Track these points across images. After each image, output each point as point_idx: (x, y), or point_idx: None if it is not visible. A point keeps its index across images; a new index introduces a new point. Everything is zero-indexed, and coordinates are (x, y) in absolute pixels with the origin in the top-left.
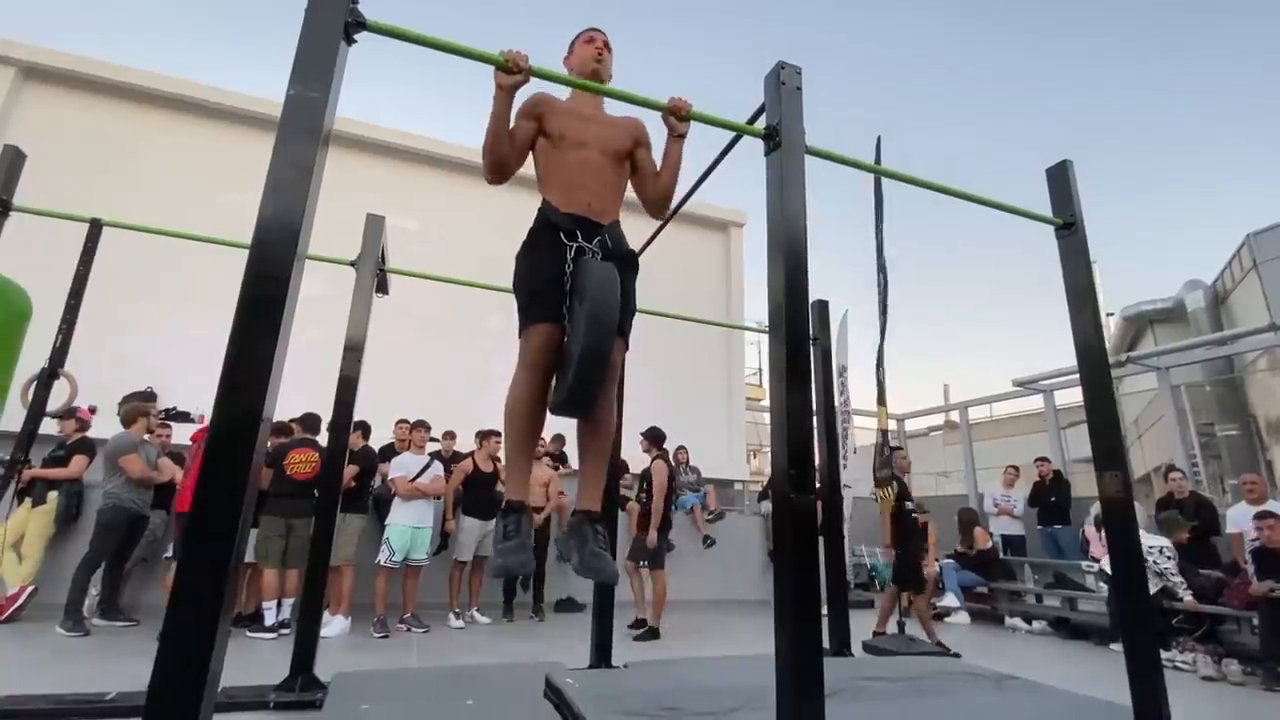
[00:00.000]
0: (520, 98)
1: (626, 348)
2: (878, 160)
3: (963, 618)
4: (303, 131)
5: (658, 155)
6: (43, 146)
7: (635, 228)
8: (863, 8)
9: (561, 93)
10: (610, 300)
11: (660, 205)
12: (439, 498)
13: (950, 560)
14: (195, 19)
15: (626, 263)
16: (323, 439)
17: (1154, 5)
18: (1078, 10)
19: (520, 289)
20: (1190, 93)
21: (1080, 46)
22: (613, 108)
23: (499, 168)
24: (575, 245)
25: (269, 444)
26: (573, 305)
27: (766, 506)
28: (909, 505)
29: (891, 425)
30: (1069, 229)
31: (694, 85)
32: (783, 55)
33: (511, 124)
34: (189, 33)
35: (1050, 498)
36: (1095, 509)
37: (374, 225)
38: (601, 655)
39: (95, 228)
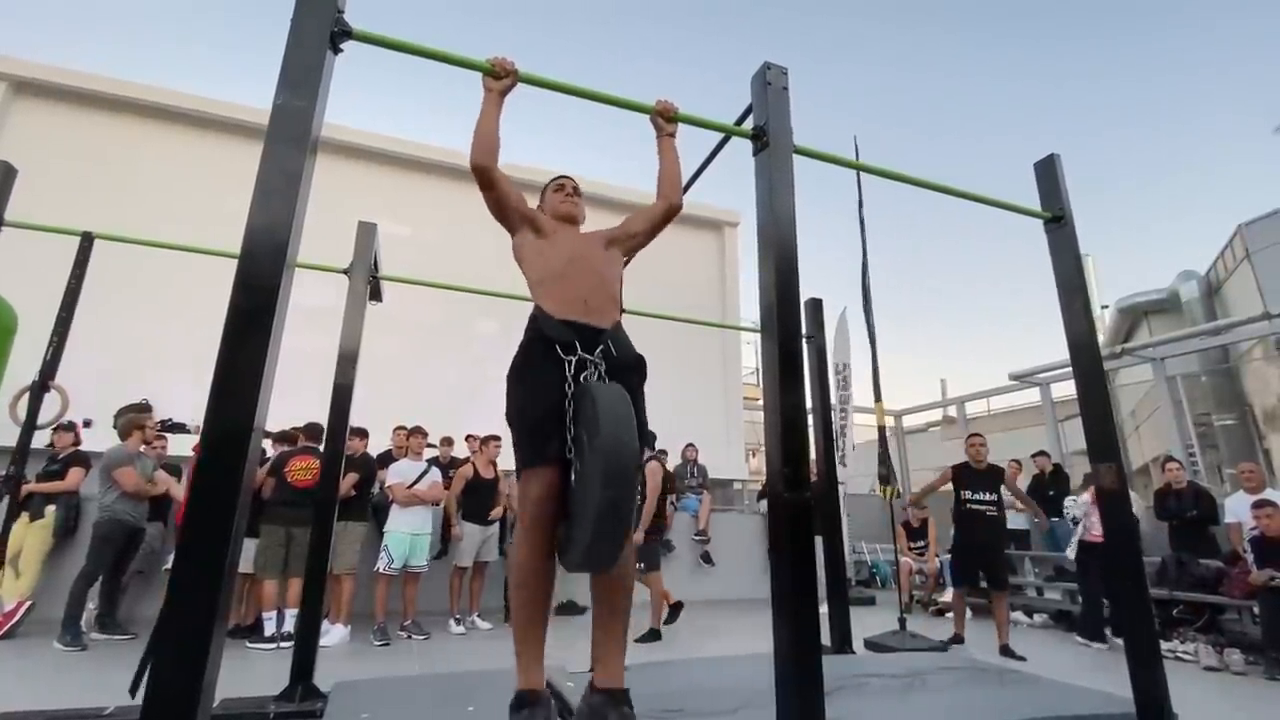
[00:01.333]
0: (512, 100)
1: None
2: (856, 159)
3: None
4: (290, 140)
5: (650, 165)
6: (34, 160)
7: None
8: (851, 5)
9: (551, 102)
10: (626, 438)
11: (674, 190)
12: (437, 504)
13: (950, 555)
14: (183, 30)
15: (635, 371)
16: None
17: None
18: (1066, 2)
19: (515, 422)
20: (1180, 84)
21: (1070, 39)
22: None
23: (487, 147)
24: (575, 359)
25: (272, 452)
26: (579, 437)
27: (765, 505)
28: (969, 498)
29: (890, 422)
30: (1058, 222)
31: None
32: (770, 53)
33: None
34: (177, 44)
35: (1049, 491)
36: (1083, 497)
37: (366, 232)
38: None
39: (87, 241)
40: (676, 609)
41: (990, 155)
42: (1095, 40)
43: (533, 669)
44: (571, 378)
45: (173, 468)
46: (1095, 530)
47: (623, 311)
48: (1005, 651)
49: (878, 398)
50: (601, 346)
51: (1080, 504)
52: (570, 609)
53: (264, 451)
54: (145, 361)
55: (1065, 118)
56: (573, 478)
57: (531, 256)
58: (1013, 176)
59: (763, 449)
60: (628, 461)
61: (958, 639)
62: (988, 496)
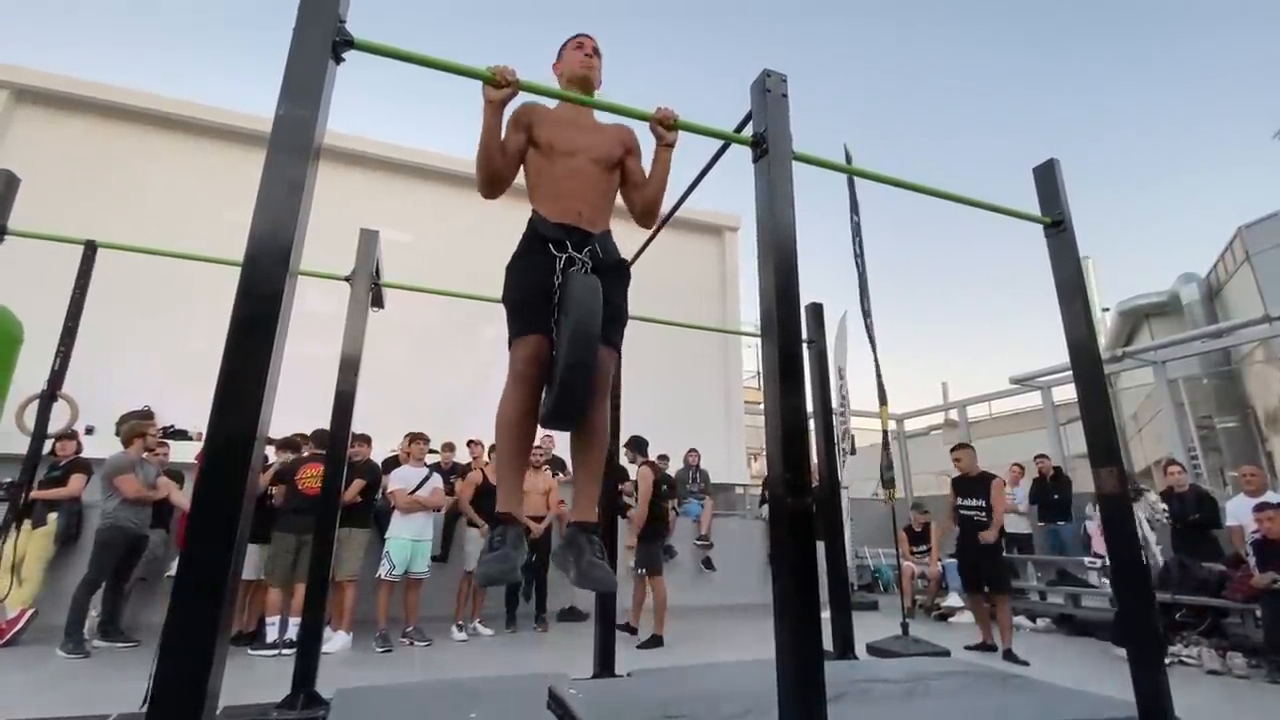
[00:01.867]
0: (510, 111)
1: (619, 357)
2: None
3: (967, 617)
4: (293, 150)
5: (647, 164)
6: (36, 168)
7: (630, 234)
8: (852, 11)
9: (550, 102)
10: (592, 313)
11: (647, 215)
12: (438, 510)
13: (953, 560)
14: (185, 38)
15: (617, 272)
16: None
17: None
18: (1067, 7)
19: (509, 301)
20: (1179, 87)
21: (1071, 43)
22: (603, 116)
23: (493, 182)
24: (565, 256)
25: (274, 458)
26: (559, 321)
27: (767, 510)
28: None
29: (891, 425)
30: (1057, 227)
31: (684, 92)
32: (772, 59)
33: (502, 135)
34: (180, 52)
35: (1052, 494)
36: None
37: (367, 239)
38: (605, 664)
39: (90, 249)
40: (654, 642)
41: (991, 159)
42: (1095, 44)
43: (511, 497)
44: (560, 271)
45: (175, 474)
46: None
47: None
48: (1008, 656)
49: (883, 401)
50: (589, 248)
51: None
52: (573, 615)
53: (266, 458)
54: (149, 368)
55: (1066, 120)
56: (553, 353)
57: (533, 170)
58: (1014, 180)
59: (764, 453)
60: (591, 332)
61: (986, 645)
62: (975, 502)
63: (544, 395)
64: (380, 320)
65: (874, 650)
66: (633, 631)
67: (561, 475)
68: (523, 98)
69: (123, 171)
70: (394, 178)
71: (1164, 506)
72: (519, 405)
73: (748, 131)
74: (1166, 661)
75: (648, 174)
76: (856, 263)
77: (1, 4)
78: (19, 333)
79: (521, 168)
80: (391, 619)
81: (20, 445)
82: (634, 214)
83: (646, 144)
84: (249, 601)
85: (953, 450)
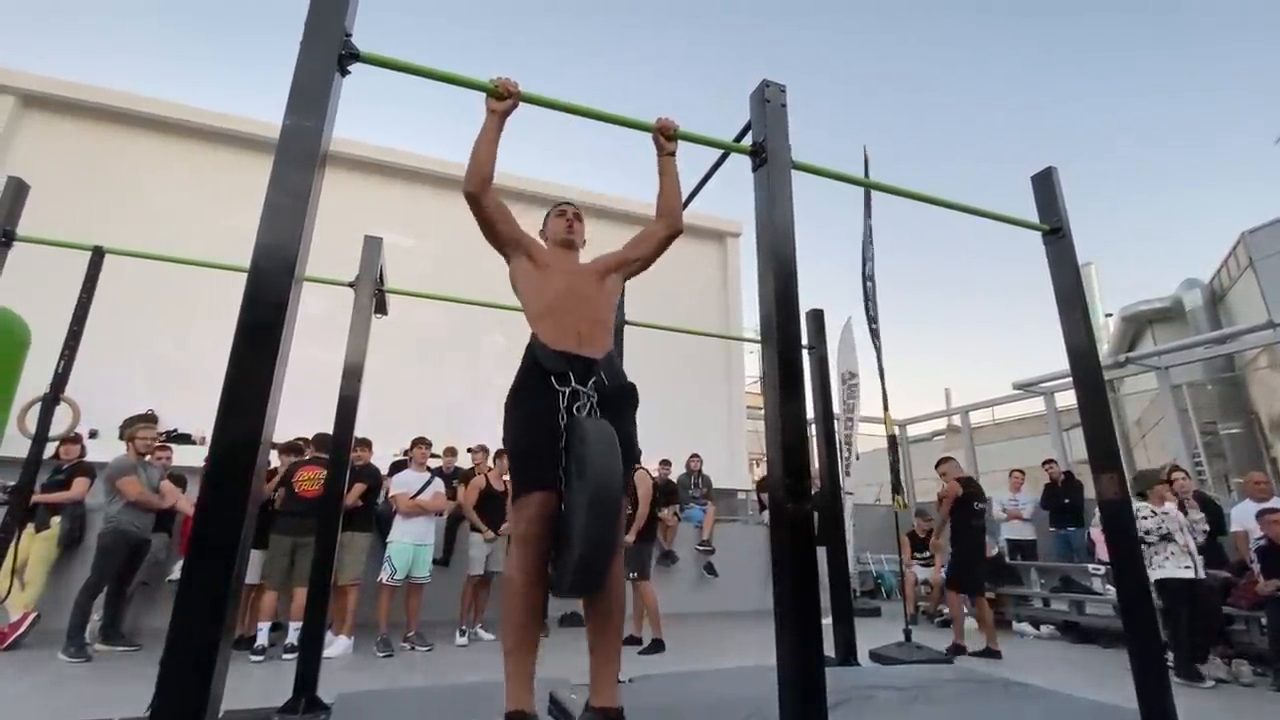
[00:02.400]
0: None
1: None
2: (866, 173)
3: (969, 624)
4: (298, 160)
5: (650, 180)
6: (43, 173)
7: (621, 238)
8: (851, 16)
9: (552, 120)
10: (612, 474)
11: (674, 215)
12: (440, 514)
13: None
14: (193, 45)
15: (625, 399)
16: None
17: (1146, 4)
18: (1066, 11)
19: (510, 447)
20: (1181, 92)
21: (1073, 47)
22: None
23: (480, 176)
24: (568, 390)
25: (277, 463)
26: (569, 469)
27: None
28: (978, 506)
29: (894, 431)
30: (1056, 234)
31: (685, 101)
32: (771, 64)
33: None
34: (187, 58)
35: (1063, 499)
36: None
37: (371, 246)
38: None
39: (98, 255)
40: (656, 647)
41: (995, 166)
42: (1098, 50)
43: (522, 690)
44: (565, 409)
45: (178, 478)
46: (1183, 562)
47: (623, 323)
48: (986, 652)
49: (885, 407)
50: (594, 378)
51: (1164, 517)
52: (575, 620)
53: (269, 463)
54: (154, 373)
55: (1069, 126)
56: (563, 507)
57: (527, 288)
58: (1017, 187)
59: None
60: (614, 496)
61: (957, 648)
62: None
63: (552, 554)
64: (382, 324)
65: (876, 657)
66: (636, 642)
67: None
68: (524, 110)
69: (129, 176)
70: (398, 182)
71: (1201, 515)
72: (527, 572)
73: (747, 140)
74: (1172, 669)
75: (657, 185)
76: (864, 269)
77: (9, 10)
78: (26, 336)
79: (514, 287)
80: (393, 624)
81: (25, 449)
82: (659, 235)
83: (648, 157)
84: (250, 606)
85: (937, 466)
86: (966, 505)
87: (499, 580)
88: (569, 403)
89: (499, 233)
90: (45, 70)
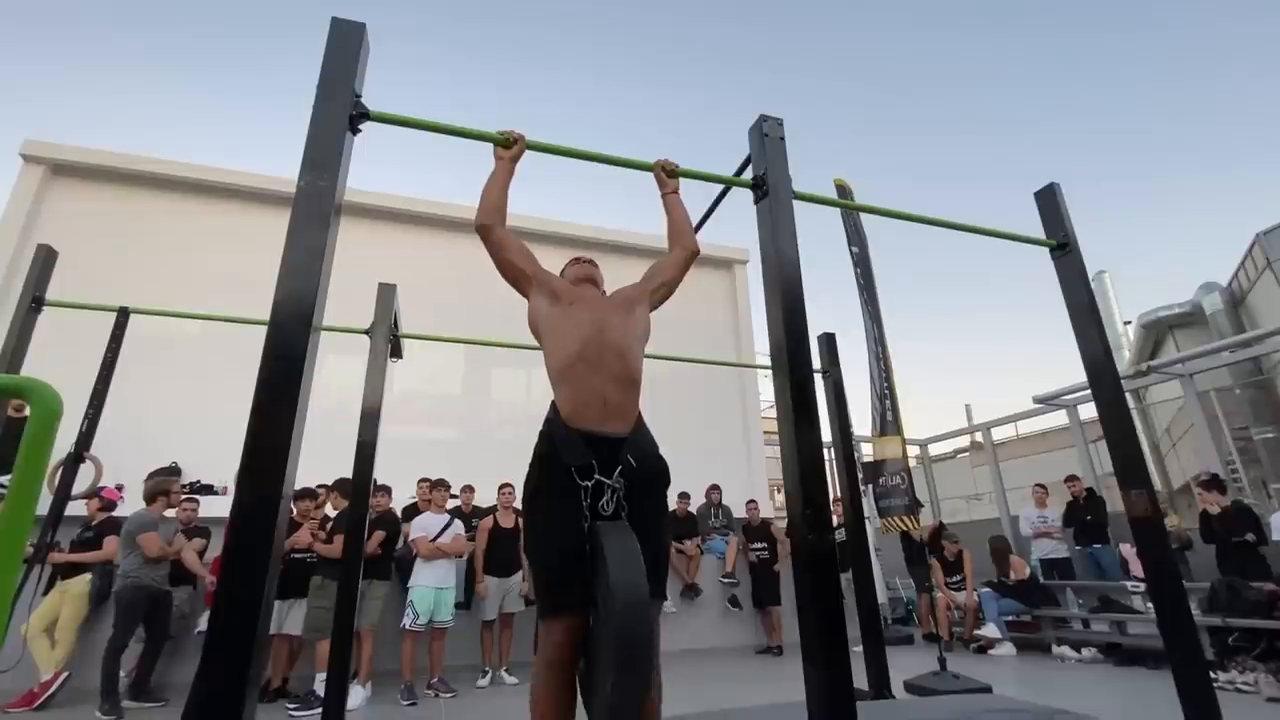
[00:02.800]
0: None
1: (665, 600)
2: (847, 214)
3: (1008, 649)
4: (314, 217)
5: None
6: (71, 238)
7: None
8: (853, 34)
9: (561, 162)
10: (639, 616)
11: (687, 238)
12: (461, 556)
13: (988, 589)
14: (213, 109)
15: (656, 485)
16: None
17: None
18: (1076, 17)
19: (532, 560)
20: (1189, 95)
21: (1081, 51)
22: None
23: (494, 209)
24: (591, 484)
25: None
26: (595, 581)
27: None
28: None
29: (915, 450)
30: (1063, 249)
31: (688, 136)
32: (773, 92)
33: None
34: (208, 123)
35: (1086, 516)
36: None
37: (386, 294)
38: None
39: (123, 316)
40: None
41: (1005, 179)
42: (1106, 56)
43: None
44: (588, 508)
45: (202, 530)
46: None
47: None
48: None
49: (895, 430)
50: (620, 465)
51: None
52: None
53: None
54: (178, 424)
55: (1077, 134)
56: (590, 620)
57: (548, 330)
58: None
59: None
60: (641, 618)
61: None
62: None
63: (582, 666)
64: (400, 364)
65: (912, 688)
66: None
67: None
68: (530, 157)
69: (153, 236)
70: (412, 229)
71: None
72: (555, 695)
73: (748, 174)
74: (1222, 688)
75: (663, 216)
76: (861, 294)
77: (38, 87)
78: (59, 407)
79: (533, 330)
80: (416, 670)
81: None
82: (676, 260)
83: (651, 193)
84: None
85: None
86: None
87: (519, 620)
88: (592, 500)
89: (514, 266)
90: (72, 138)
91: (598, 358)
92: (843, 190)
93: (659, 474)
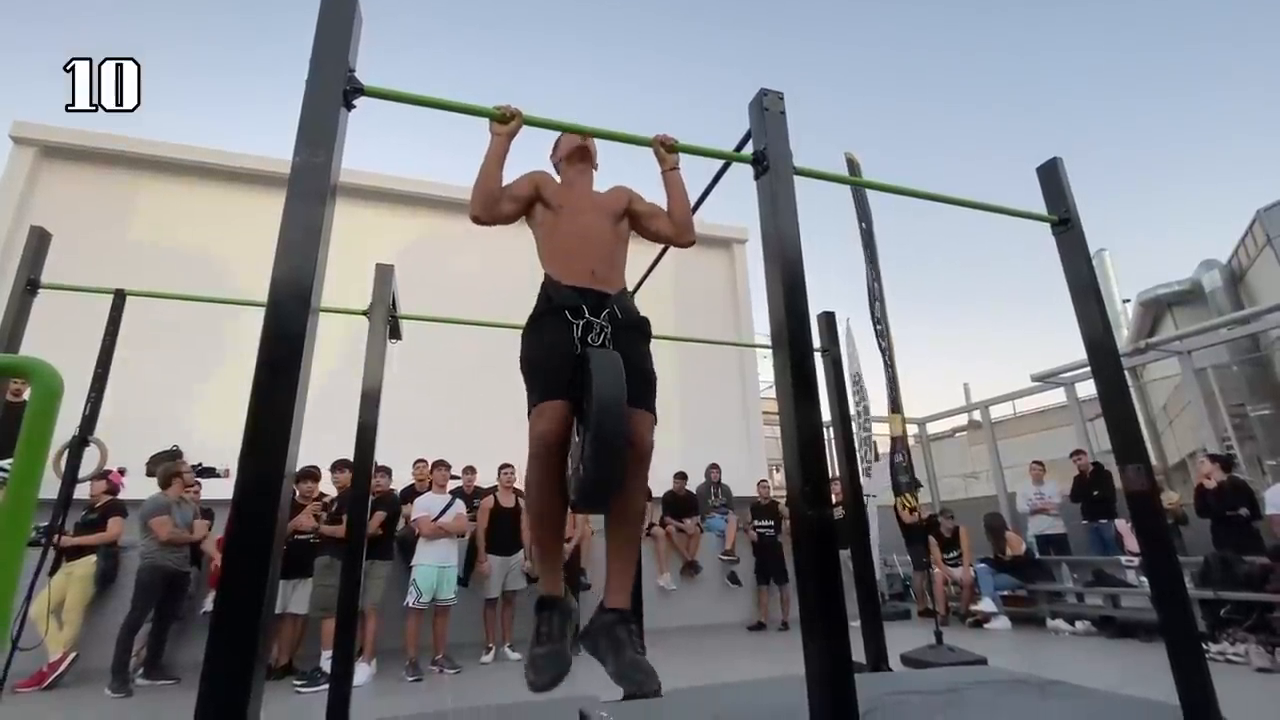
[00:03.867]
0: (517, 161)
1: (655, 422)
2: (857, 187)
3: (1003, 623)
4: (310, 195)
5: (654, 198)
6: (65, 221)
7: (642, 252)
8: (850, 13)
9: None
10: (616, 394)
11: (685, 229)
12: (462, 535)
13: (984, 564)
14: (201, 87)
15: (637, 331)
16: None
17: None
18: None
19: (526, 365)
20: (1188, 71)
21: (1081, 26)
22: (600, 184)
23: (488, 200)
24: (583, 322)
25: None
26: (581, 400)
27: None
28: None
29: (913, 430)
30: (1065, 225)
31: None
32: (773, 67)
33: (508, 175)
34: (195, 100)
35: (1093, 491)
36: None
37: (383, 274)
38: None
39: (119, 298)
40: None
41: (1004, 156)
42: (1105, 31)
43: (553, 578)
44: (579, 340)
45: (205, 512)
46: None
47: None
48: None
49: (895, 409)
50: (607, 310)
51: None
52: None
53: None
54: (177, 407)
55: (1077, 112)
56: (575, 436)
57: (541, 231)
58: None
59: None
60: (616, 419)
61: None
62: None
63: (569, 471)
64: (397, 345)
65: (908, 661)
66: None
67: None
68: (526, 133)
69: (147, 218)
70: (410, 209)
71: None
72: (545, 485)
73: (748, 149)
74: (1213, 659)
75: (660, 206)
76: (867, 270)
77: (30, 66)
78: (60, 386)
79: (530, 229)
80: (420, 647)
81: (56, 489)
82: (670, 238)
83: (650, 177)
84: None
85: None
86: None
87: (521, 598)
88: (583, 334)
89: (514, 216)
90: (64, 120)
91: (587, 250)
92: (852, 165)
93: (642, 324)
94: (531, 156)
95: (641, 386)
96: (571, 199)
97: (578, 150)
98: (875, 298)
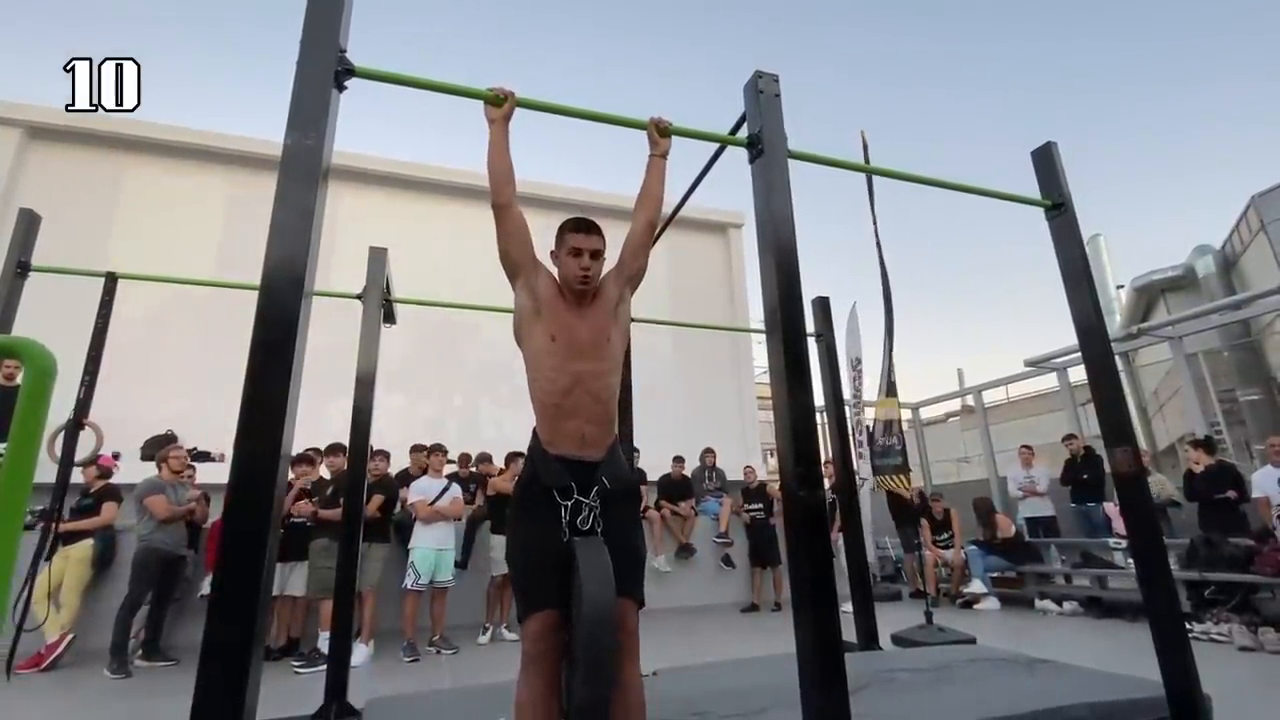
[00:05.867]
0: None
1: (643, 605)
2: (866, 159)
3: (992, 604)
4: (302, 177)
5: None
6: (53, 203)
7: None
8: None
9: (553, 122)
10: (605, 614)
11: (653, 207)
12: (459, 519)
13: (974, 547)
14: (191, 65)
15: (628, 500)
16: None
17: None
18: None
19: (513, 570)
20: (1183, 55)
21: (1072, 16)
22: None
23: (502, 181)
24: (570, 504)
25: (298, 475)
26: (571, 597)
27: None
28: None
29: (907, 414)
30: (1058, 210)
31: (683, 95)
32: (767, 52)
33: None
34: (186, 79)
35: (1083, 474)
36: None
37: (377, 258)
38: None
39: (111, 281)
40: None
41: (998, 141)
42: (1097, 15)
43: None
44: (567, 525)
45: (204, 497)
46: None
47: (630, 321)
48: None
49: (891, 393)
50: (596, 486)
51: None
52: None
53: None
54: (171, 391)
55: (1072, 95)
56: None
57: (529, 356)
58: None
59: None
60: (604, 635)
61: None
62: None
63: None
64: (391, 330)
65: (898, 640)
66: None
67: None
68: (521, 115)
69: (137, 200)
70: (402, 192)
71: None
72: (537, 693)
73: (743, 133)
74: (1197, 638)
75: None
76: (879, 253)
77: (11, 44)
78: (53, 366)
79: (516, 330)
80: (417, 628)
81: (52, 473)
82: (640, 230)
83: (639, 155)
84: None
85: None
86: None
87: None
88: (571, 517)
89: (511, 256)
90: (50, 100)
91: (576, 405)
92: (866, 146)
93: (632, 491)
94: (530, 156)
95: (629, 568)
96: (567, 323)
97: (577, 293)
98: (885, 279)
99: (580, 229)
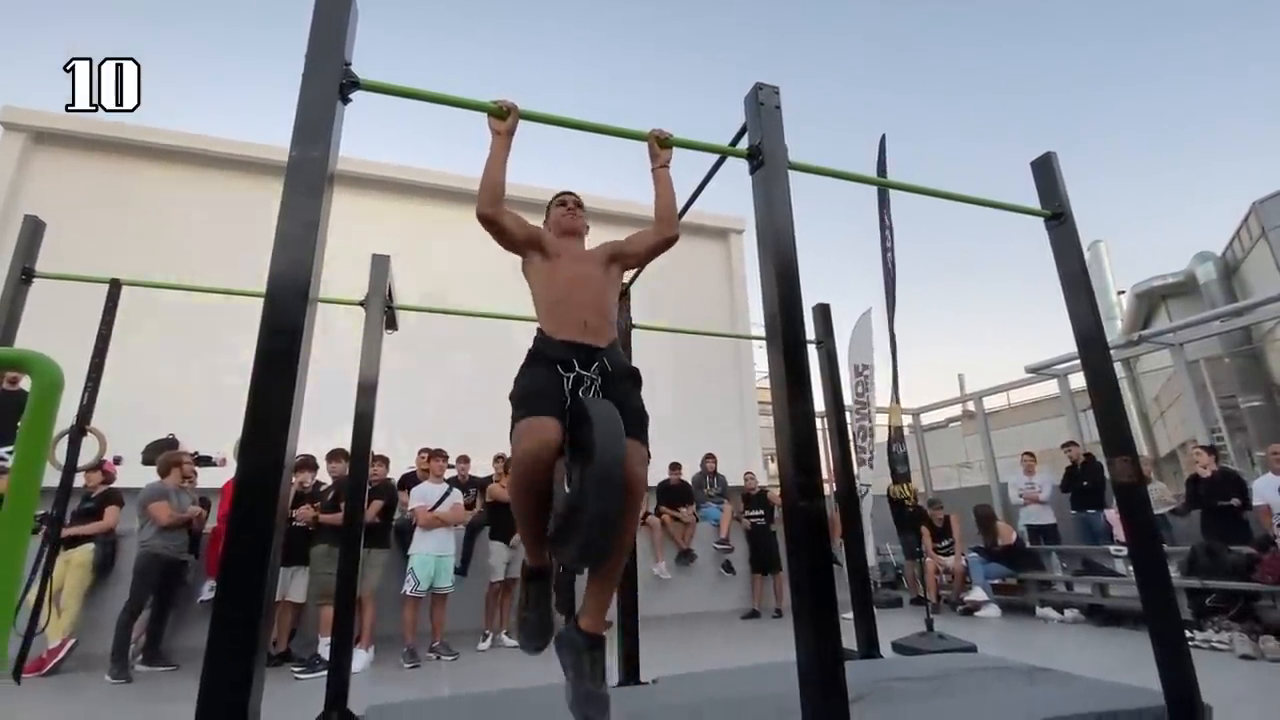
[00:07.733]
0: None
1: (649, 457)
2: (882, 168)
3: (993, 611)
4: (307, 188)
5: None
6: (57, 209)
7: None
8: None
9: (551, 136)
10: (617, 456)
11: (668, 224)
12: (459, 525)
13: (975, 554)
14: (197, 73)
15: (629, 379)
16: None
17: None
18: None
19: (517, 395)
20: (1184, 61)
21: (1073, 25)
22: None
23: (493, 196)
24: (573, 375)
25: (299, 481)
26: (576, 456)
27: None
28: None
29: (908, 420)
30: (1058, 219)
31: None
32: (768, 62)
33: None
34: (192, 87)
35: (1083, 482)
36: None
37: (380, 265)
38: (630, 672)
39: (115, 288)
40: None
41: (999, 151)
42: (1099, 22)
43: (537, 552)
44: (569, 391)
45: (202, 501)
46: None
47: (631, 326)
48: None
49: (895, 399)
50: (598, 363)
51: None
52: None
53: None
54: (173, 395)
55: (1072, 103)
56: (565, 487)
57: (536, 280)
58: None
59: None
60: (617, 473)
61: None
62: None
63: (554, 515)
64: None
65: (899, 648)
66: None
67: None
68: (524, 127)
69: (142, 206)
70: (406, 198)
71: None
72: (529, 514)
73: (744, 144)
74: (1197, 646)
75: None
76: (885, 259)
77: (18, 52)
78: (60, 379)
79: (526, 279)
80: (418, 634)
81: (55, 478)
82: (656, 242)
83: (643, 168)
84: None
85: None
86: None
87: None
88: (573, 386)
89: (514, 240)
90: (54, 106)
91: (577, 301)
92: (883, 151)
93: (632, 371)
94: (526, 155)
95: (634, 420)
96: (565, 250)
97: (567, 229)
98: (889, 286)
99: (563, 198)
